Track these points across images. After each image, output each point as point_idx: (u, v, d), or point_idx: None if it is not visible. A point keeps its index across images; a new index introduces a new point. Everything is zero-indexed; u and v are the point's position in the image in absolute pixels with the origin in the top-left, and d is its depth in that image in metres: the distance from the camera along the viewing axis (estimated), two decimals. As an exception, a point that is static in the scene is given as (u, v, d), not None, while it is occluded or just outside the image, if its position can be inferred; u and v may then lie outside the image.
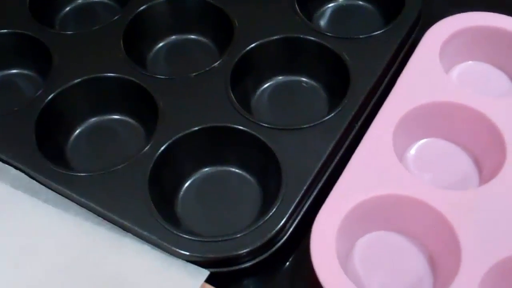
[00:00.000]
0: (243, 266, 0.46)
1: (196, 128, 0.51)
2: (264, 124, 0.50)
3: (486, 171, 0.50)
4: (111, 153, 0.54)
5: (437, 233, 0.45)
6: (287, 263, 0.49)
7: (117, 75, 0.54)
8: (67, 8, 0.64)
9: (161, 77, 0.54)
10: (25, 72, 0.59)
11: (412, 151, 0.52)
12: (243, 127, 0.50)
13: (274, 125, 0.50)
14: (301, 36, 0.56)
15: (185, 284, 0.44)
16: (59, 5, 0.64)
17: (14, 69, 0.59)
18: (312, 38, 0.55)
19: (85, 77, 0.54)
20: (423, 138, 0.53)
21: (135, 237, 0.47)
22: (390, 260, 0.47)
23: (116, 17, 0.59)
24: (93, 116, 0.56)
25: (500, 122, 0.49)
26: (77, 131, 0.55)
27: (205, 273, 0.45)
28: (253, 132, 0.50)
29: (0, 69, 0.59)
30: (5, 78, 0.59)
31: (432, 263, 0.46)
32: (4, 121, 0.52)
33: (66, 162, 0.53)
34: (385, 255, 0.47)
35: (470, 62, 0.57)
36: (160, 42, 0.61)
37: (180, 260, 0.45)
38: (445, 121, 0.51)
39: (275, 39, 0.56)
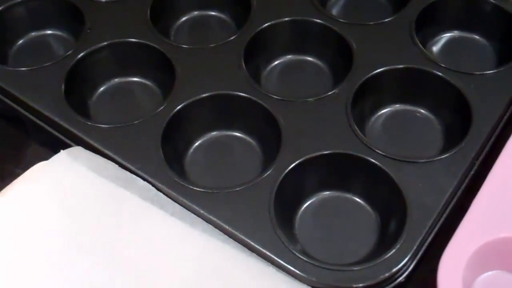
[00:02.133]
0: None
1: (319, 154, 0.52)
2: (388, 155, 0.51)
3: None
4: (229, 171, 0.55)
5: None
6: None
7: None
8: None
9: (280, 98, 0.56)
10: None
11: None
12: (365, 155, 0.51)
13: (399, 157, 0.51)
14: (420, 67, 0.57)
15: None
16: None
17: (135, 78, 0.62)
18: (433, 71, 0.56)
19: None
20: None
21: (260, 257, 0.47)
22: (509, 301, 0.47)
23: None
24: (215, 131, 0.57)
25: None
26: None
27: None
28: (376, 162, 0.51)
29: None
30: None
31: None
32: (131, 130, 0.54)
33: (185, 172, 0.55)
34: (503, 296, 0.48)
35: None
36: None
37: (305, 286, 0.46)
38: None
39: (395, 68, 0.57)
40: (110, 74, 0.61)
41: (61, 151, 0.53)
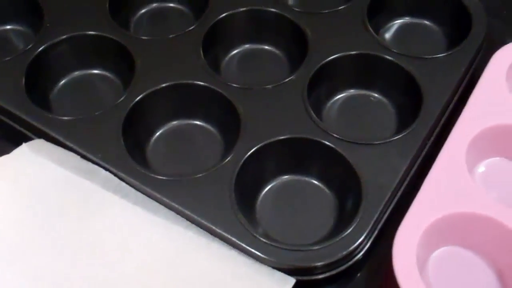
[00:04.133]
0: (319, 277, 0.49)
1: (277, 139, 0.53)
2: (343, 138, 0.53)
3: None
4: (190, 159, 0.56)
5: (508, 252, 0.48)
6: (360, 273, 0.51)
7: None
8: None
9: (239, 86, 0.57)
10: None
11: (480, 169, 0.55)
12: (322, 139, 0.53)
13: (354, 139, 0.53)
14: (373, 53, 0.58)
15: None
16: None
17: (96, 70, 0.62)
18: (385, 56, 0.58)
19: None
20: (490, 157, 0.55)
21: (222, 242, 0.49)
22: (461, 274, 0.49)
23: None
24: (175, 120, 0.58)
25: None
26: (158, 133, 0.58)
27: (292, 281, 0.47)
28: (332, 145, 0.52)
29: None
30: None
31: (502, 280, 0.49)
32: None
33: (147, 161, 0.56)
34: (456, 270, 0.50)
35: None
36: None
37: (267, 267, 0.48)
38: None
39: (349, 54, 0.58)
40: (70, 67, 0.62)
41: (23, 144, 0.54)
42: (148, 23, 0.67)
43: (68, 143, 0.53)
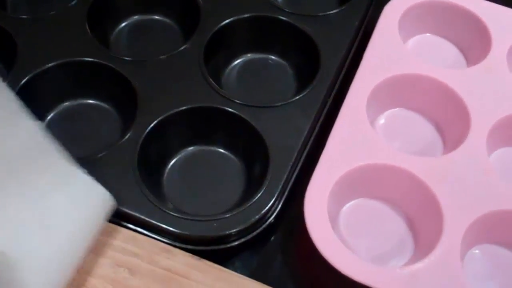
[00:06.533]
0: (234, 244, 0.48)
1: (177, 110, 0.51)
2: (245, 103, 0.52)
3: (449, 138, 0.54)
4: (88, 140, 0.54)
5: (416, 198, 0.49)
6: (275, 235, 0.51)
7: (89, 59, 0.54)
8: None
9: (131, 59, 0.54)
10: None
11: (381, 121, 0.55)
12: (224, 106, 0.52)
13: (255, 103, 0.52)
14: (266, 14, 0.58)
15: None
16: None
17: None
18: (278, 17, 0.57)
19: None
20: (389, 109, 0.56)
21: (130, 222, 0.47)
22: (372, 225, 0.50)
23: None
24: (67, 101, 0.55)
25: (461, 91, 0.53)
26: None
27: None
28: (235, 111, 0.51)
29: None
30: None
31: (412, 226, 0.50)
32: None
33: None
34: (367, 221, 0.50)
35: (423, 35, 0.61)
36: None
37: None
38: (409, 92, 0.55)
39: (242, 18, 0.57)
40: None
41: None
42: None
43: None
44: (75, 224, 0.42)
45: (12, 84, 0.51)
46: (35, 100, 0.52)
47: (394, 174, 0.49)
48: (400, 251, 0.49)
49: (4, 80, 0.50)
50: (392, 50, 0.56)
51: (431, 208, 0.48)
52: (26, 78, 0.52)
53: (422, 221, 0.49)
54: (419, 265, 0.45)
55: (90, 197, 0.44)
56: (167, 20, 0.61)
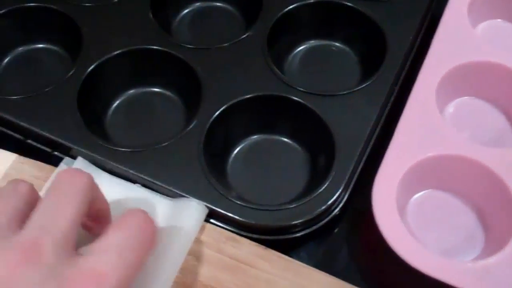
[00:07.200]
0: (298, 234, 0.47)
1: (241, 98, 0.51)
2: (310, 91, 0.51)
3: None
4: (154, 127, 0.54)
5: (487, 190, 0.47)
6: (339, 227, 0.50)
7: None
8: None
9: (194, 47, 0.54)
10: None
11: (450, 110, 0.54)
12: (289, 94, 0.51)
13: (320, 92, 0.51)
14: (333, 0, 0.56)
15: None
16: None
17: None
18: (345, 2, 0.56)
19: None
20: (458, 97, 0.54)
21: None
22: (441, 217, 0.49)
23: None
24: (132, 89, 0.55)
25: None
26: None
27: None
28: (299, 100, 0.50)
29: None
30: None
31: (483, 219, 0.48)
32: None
33: (107, 134, 0.53)
34: (436, 213, 0.49)
35: (493, 20, 0.59)
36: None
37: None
38: (479, 80, 0.53)
39: (306, 3, 0.56)
40: (14, 43, 0.58)
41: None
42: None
43: (21, 122, 0.50)
44: (181, 249, 0.44)
45: (78, 73, 0.52)
46: (100, 88, 0.53)
47: (465, 165, 0.48)
48: (470, 244, 0.48)
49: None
50: (462, 36, 0.54)
51: (503, 200, 0.46)
52: (92, 67, 0.52)
53: (494, 214, 0.47)
54: (492, 259, 0.43)
55: (188, 218, 0.45)
56: (229, 7, 0.60)
